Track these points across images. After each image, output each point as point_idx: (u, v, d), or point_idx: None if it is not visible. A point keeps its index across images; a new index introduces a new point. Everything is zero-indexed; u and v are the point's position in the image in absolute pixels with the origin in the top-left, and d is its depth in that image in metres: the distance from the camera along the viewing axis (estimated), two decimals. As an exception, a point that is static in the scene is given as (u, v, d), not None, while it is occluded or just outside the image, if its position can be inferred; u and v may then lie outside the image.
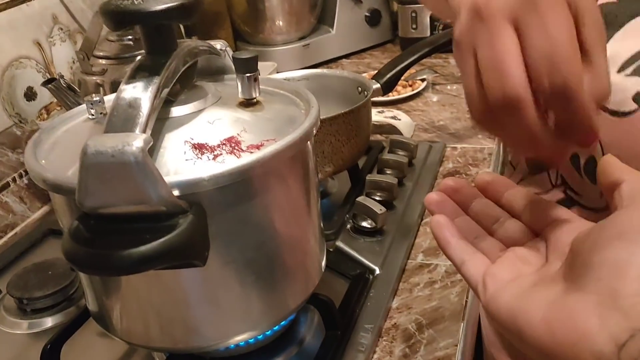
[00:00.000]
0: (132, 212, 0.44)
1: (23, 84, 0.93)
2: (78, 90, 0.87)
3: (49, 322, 0.71)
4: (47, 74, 0.97)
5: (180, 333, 0.54)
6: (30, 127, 0.94)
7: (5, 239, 0.88)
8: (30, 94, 0.94)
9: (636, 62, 0.42)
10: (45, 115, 0.96)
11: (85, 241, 0.44)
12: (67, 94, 0.85)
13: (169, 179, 0.44)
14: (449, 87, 1.20)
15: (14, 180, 0.91)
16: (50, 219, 0.90)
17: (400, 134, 1.00)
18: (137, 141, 0.42)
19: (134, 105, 0.46)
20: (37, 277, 0.74)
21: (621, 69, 0.43)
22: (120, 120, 0.46)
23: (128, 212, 0.44)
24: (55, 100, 0.97)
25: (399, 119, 1.03)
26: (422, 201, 0.84)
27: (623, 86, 0.42)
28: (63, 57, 1.00)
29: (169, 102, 0.53)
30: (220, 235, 0.49)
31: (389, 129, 1.03)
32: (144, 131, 0.45)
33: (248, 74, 0.55)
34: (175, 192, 0.45)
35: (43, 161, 0.52)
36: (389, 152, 0.91)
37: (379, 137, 1.03)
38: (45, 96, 0.96)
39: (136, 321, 0.55)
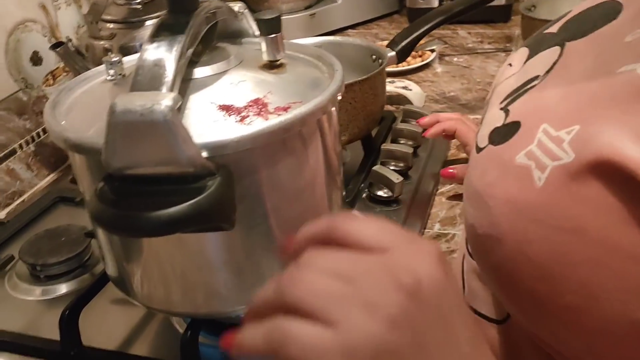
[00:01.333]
0: (159, 174, 0.43)
1: (28, 49, 0.91)
2: (86, 54, 0.85)
3: (63, 288, 0.70)
4: (53, 39, 0.95)
5: (203, 298, 0.54)
6: (36, 93, 0.92)
7: (13, 206, 0.87)
8: (36, 59, 0.92)
9: (510, 98, 0.42)
10: (52, 81, 0.94)
11: (111, 202, 0.43)
12: (75, 59, 0.83)
13: (197, 140, 0.42)
14: (457, 58, 1.19)
15: (20, 147, 0.89)
16: (58, 187, 0.89)
17: (411, 104, 0.98)
18: (166, 100, 0.40)
19: (159, 64, 0.45)
20: (50, 244, 0.73)
21: (502, 101, 0.43)
22: (146, 78, 0.44)
23: (155, 174, 0.43)
24: (62, 65, 0.95)
25: (410, 89, 1.02)
26: (436, 171, 0.83)
27: (491, 120, 0.41)
28: (68, 22, 0.98)
29: (191, 63, 0.52)
30: (247, 199, 0.48)
31: (400, 99, 1.01)
32: (171, 90, 0.44)
33: (272, 35, 0.53)
34: (203, 154, 0.44)
35: (63, 122, 0.51)
36: (402, 122, 0.90)
37: (389, 107, 1.02)
38: (51, 61, 0.94)
39: (158, 286, 0.54)
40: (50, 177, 0.93)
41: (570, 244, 0.32)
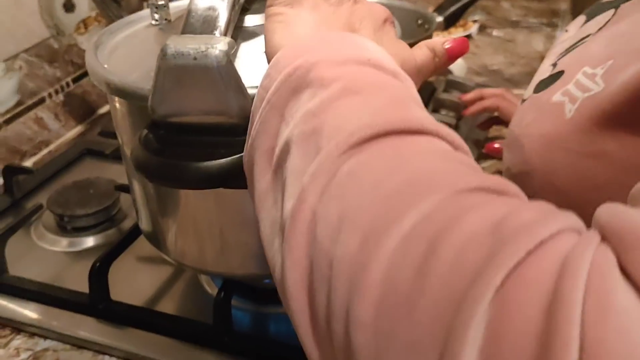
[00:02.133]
0: (207, 124, 0.40)
1: (61, -5, 0.88)
2: (121, 2, 0.82)
3: (89, 241, 0.69)
4: (87, -14, 0.92)
5: (239, 259, 0.52)
6: (67, 41, 0.90)
7: (39, 155, 0.85)
8: (69, 5, 0.89)
9: (561, 55, 0.44)
10: (83, 29, 0.92)
11: (155, 151, 0.40)
12: (110, 6, 0.80)
13: (251, 90, 0.40)
14: (498, 31, 1.14)
15: (49, 95, 0.87)
16: (86, 139, 0.87)
17: (452, 74, 0.95)
18: (221, 44, 0.38)
19: (212, 7, 0.42)
20: (78, 195, 0.71)
21: (554, 60, 0.44)
22: (199, 22, 0.42)
23: (203, 123, 0.40)
24: (94, 14, 0.92)
25: (452, 60, 0.97)
26: (478, 145, 0.80)
27: (539, 75, 0.44)
28: (102, -30, 0.95)
29: (243, 10, 0.49)
30: (295, 157, 0.46)
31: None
32: (225, 35, 0.41)
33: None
34: (255, 105, 0.41)
35: (105, 65, 0.48)
36: (443, 92, 0.86)
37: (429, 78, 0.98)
38: (83, 9, 0.91)
39: (192, 243, 0.52)
40: (78, 129, 0.91)
41: (594, 168, 0.35)
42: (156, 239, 0.55)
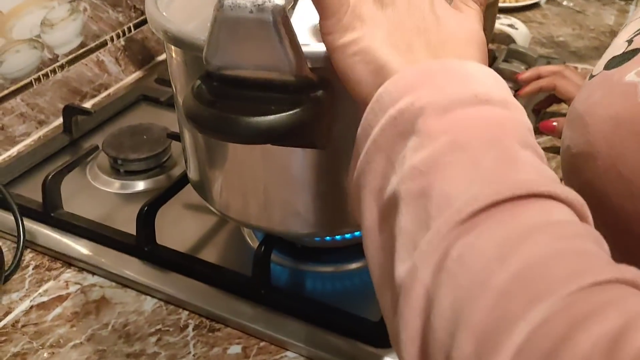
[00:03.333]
0: (259, 79, 0.40)
1: (127, -61, 0.89)
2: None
3: (140, 185, 0.71)
4: None
5: (281, 215, 0.52)
6: (130, -14, 0.90)
7: (98, 98, 0.87)
8: (134, -50, 0.90)
9: (638, 31, 0.40)
10: (147, -24, 0.92)
11: (207, 102, 0.41)
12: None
13: (305, 48, 0.39)
14: (568, 1, 1.09)
15: (111, 39, 0.89)
16: (143, 85, 0.89)
17: (515, 43, 0.91)
18: (278, -1, 0.37)
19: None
20: (132, 140, 0.73)
21: (629, 36, 0.41)
22: (257, -26, 0.41)
23: (255, 78, 0.40)
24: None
25: (517, 28, 0.94)
26: (534, 119, 0.77)
27: (611, 51, 0.41)
28: None
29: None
30: (345, 120, 0.45)
31: (503, 38, 0.94)
32: (283, -10, 0.40)
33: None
34: (309, 64, 0.41)
35: (164, 13, 0.48)
36: (503, 62, 0.83)
37: (490, 46, 0.95)
38: (148, -45, 0.92)
39: (237, 196, 0.53)
40: (136, 75, 0.93)
41: None
42: (202, 188, 0.56)
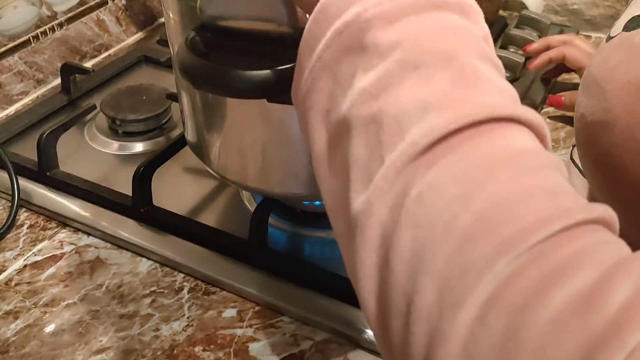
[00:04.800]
0: (256, 30, 0.38)
1: None
2: None
3: (139, 147, 0.69)
4: None
5: (279, 177, 0.51)
6: (132, -56, 0.88)
7: (99, 58, 0.86)
8: None
9: None
10: None
11: (201, 54, 0.39)
12: None
13: (304, -3, 0.37)
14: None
15: (112, -2, 0.87)
16: (144, 46, 0.87)
17: (527, 10, 0.88)
18: (276, -56, 0.35)
19: None
20: (131, 100, 0.71)
21: None
22: None
23: (251, 30, 0.38)
24: None
25: (530, -5, 0.91)
26: (545, 87, 0.75)
27: (631, 11, 0.38)
28: None
29: None
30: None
31: (515, 5, 0.91)
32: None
33: None
34: (308, 16, 0.39)
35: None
36: (515, 28, 0.80)
37: (502, 12, 0.92)
38: None
39: (235, 157, 0.52)
40: (138, 36, 0.91)
41: None
42: (200, 150, 0.54)
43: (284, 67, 0.37)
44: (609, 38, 0.39)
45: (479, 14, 0.28)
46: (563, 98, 0.70)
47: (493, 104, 0.24)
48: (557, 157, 0.24)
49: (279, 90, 0.38)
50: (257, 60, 0.38)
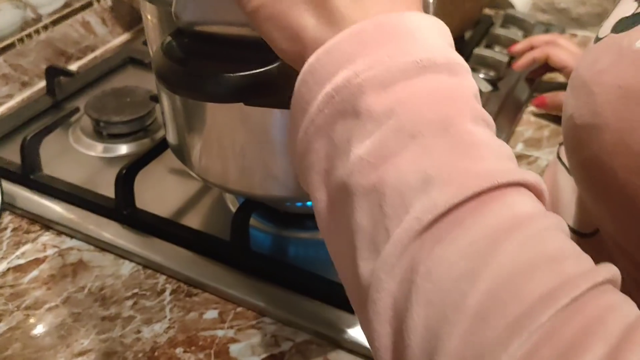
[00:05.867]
0: (231, 35, 0.38)
1: None
2: None
3: (123, 149, 0.70)
4: None
5: (260, 179, 0.51)
6: (118, -55, 0.88)
7: (85, 60, 0.85)
8: None
9: None
10: None
11: (178, 60, 0.39)
12: None
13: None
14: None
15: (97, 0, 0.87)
16: (131, 47, 0.87)
17: (514, 9, 0.89)
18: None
19: None
20: (116, 102, 0.71)
21: None
22: None
23: (227, 34, 0.39)
24: None
25: (516, -6, 0.91)
26: (529, 87, 0.75)
27: (619, 13, 0.38)
28: None
29: None
30: (322, 79, 0.44)
31: (502, 3, 0.91)
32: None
33: None
34: (282, 20, 0.39)
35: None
36: (501, 27, 0.81)
37: (487, 11, 0.92)
38: None
39: (216, 160, 0.52)
40: (124, 37, 0.91)
41: None
42: (181, 152, 0.54)
43: (258, 70, 0.38)
44: (597, 39, 0.38)
45: (467, 70, 0.28)
46: (547, 99, 0.71)
47: (492, 172, 0.24)
48: (555, 216, 0.25)
49: (255, 93, 0.39)
50: (232, 65, 0.38)
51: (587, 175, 0.37)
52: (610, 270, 0.23)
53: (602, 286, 0.23)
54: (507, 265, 0.22)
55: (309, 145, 0.28)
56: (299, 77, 0.28)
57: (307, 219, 0.60)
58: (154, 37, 0.50)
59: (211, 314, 0.51)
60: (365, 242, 0.25)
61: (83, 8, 0.85)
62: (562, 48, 0.71)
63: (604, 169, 0.35)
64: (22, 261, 0.56)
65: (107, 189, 0.61)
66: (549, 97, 0.70)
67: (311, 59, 0.27)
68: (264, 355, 0.48)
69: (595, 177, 0.36)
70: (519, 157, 0.67)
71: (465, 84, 0.27)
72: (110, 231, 0.58)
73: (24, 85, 0.79)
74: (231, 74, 0.38)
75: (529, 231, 0.23)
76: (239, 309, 0.52)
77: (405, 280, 0.24)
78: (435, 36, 0.28)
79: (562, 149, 0.48)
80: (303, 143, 0.28)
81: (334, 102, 0.27)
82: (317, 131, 0.27)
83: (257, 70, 0.38)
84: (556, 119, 0.71)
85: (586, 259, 0.24)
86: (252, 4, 0.30)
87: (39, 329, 0.51)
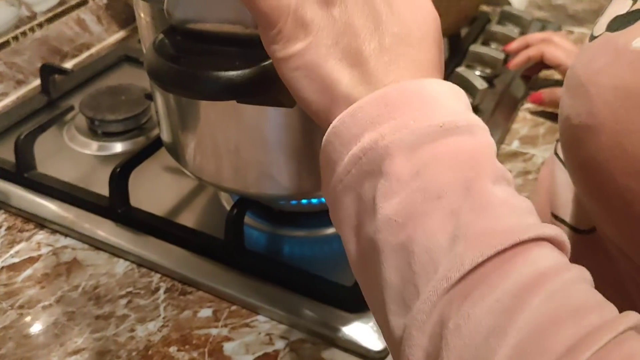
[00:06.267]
0: (223, 33, 0.38)
1: None
2: None
3: (118, 147, 0.69)
4: None
5: (254, 177, 0.51)
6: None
7: (80, 58, 0.85)
8: None
9: None
10: None
11: (170, 57, 0.39)
12: None
13: None
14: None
15: (92, -3, 0.86)
16: (126, 45, 0.87)
17: (510, 5, 0.88)
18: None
19: None
20: (110, 100, 0.71)
21: None
22: None
23: (219, 32, 0.38)
24: None
25: (513, -9, 0.91)
26: (526, 84, 0.75)
27: (614, 10, 0.37)
28: None
29: None
30: (315, 77, 0.43)
31: (498, 0, 0.91)
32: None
33: None
34: (274, 17, 0.39)
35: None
36: (497, 24, 0.81)
37: (485, 8, 0.92)
38: None
39: (210, 158, 0.52)
40: (119, 35, 0.91)
41: None
42: (175, 151, 0.54)
43: (250, 68, 0.38)
44: (592, 37, 0.38)
45: (485, 130, 0.29)
46: (543, 95, 0.70)
47: (514, 230, 0.26)
48: (578, 267, 0.26)
49: (247, 91, 0.39)
50: (224, 63, 0.38)
51: (584, 176, 0.37)
52: (633, 319, 0.24)
53: (625, 334, 0.23)
54: (533, 320, 0.24)
55: (339, 201, 0.30)
56: (325, 138, 0.30)
57: (301, 217, 0.60)
58: (148, 36, 0.50)
59: (205, 313, 0.51)
60: (395, 297, 0.27)
61: (78, 6, 0.84)
62: (557, 46, 0.71)
63: (601, 170, 0.34)
64: (16, 260, 0.56)
65: (102, 188, 0.61)
66: (546, 93, 0.70)
67: (336, 122, 0.29)
68: (258, 354, 0.48)
69: (592, 178, 0.36)
70: (515, 155, 0.67)
71: (485, 144, 0.29)
72: (104, 229, 0.58)
73: (19, 83, 0.78)
74: (223, 72, 0.37)
75: (553, 285, 0.25)
76: (233, 308, 0.52)
77: (436, 336, 0.25)
78: (454, 100, 0.29)
79: (560, 145, 0.47)
80: (332, 197, 0.30)
81: (361, 163, 0.28)
82: (345, 189, 0.29)
83: (250, 68, 0.37)
84: (552, 117, 0.71)
85: (610, 308, 0.25)
86: (286, 52, 0.30)
87: (33, 328, 0.50)
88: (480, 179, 0.27)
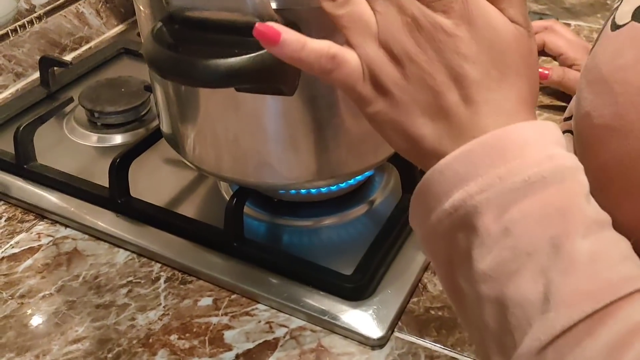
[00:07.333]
0: (222, 20, 0.39)
1: None
2: None
3: (117, 139, 0.70)
4: None
5: (253, 166, 0.51)
6: (111, -64, 0.88)
7: (79, 51, 0.85)
8: None
9: None
10: None
11: (169, 45, 0.39)
12: None
13: (267, -13, 0.38)
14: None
15: (91, -9, 0.86)
16: (125, 39, 0.87)
17: None
18: None
19: None
20: (110, 92, 0.71)
21: None
22: None
23: (218, 20, 0.39)
24: None
25: (510, -17, 0.91)
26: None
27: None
28: None
29: None
30: (314, 65, 0.44)
31: (496, -7, 0.91)
32: None
33: None
34: (273, 4, 0.39)
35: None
36: (494, 17, 0.81)
37: None
38: None
39: (209, 148, 0.52)
40: (119, 28, 0.91)
41: None
42: (175, 141, 0.54)
43: (249, 55, 0.38)
44: (616, 26, 0.34)
45: (575, 170, 0.29)
46: (550, 72, 0.68)
47: (605, 289, 0.27)
48: None
49: (247, 78, 0.39)
50: (224, 50, 0.38)
51: (604, 177, 0.35)
52: None
53: None
54: None
55: (430, 248, 0.31)
56: (415, 191, 0.31)
57: (300, 207, 0.60)
58: (147, 28, 0.50)
59: (205, 301, 0.52)
60: (494, 340, 0.29)
61: (77, -1, 0.85)
62: (559, 35, 0.70)
63: (626, 175, 0.33)
64: (16, 250, 0.56)
65: (102, 179, 0.61)
66: (553, 69, 0.68)
67: (427, 176, 0.30)
68: (258, 342, 0.48)
69: (614, 183, 0.34)
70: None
71: (574, 190, 0.29)
72: (104, 220, 0.58)
73: (18, 76, 0.79)
74: (222, 59, 0.38)
75: None
76: (234, 296, 0.52)
77: None
78: (541, 143, 0.29)
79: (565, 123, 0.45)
80: (425, 244, 0.32)
81: (452, 217, 0.29)
82: (437, 238, 0.30)
83: (248, 56, 0.38)
84: (550, 108, 0.71)
85: None
86: (370, 110, 0.32)
87: (34, 317, 0.51)
88: (570, 236, 0.27)
